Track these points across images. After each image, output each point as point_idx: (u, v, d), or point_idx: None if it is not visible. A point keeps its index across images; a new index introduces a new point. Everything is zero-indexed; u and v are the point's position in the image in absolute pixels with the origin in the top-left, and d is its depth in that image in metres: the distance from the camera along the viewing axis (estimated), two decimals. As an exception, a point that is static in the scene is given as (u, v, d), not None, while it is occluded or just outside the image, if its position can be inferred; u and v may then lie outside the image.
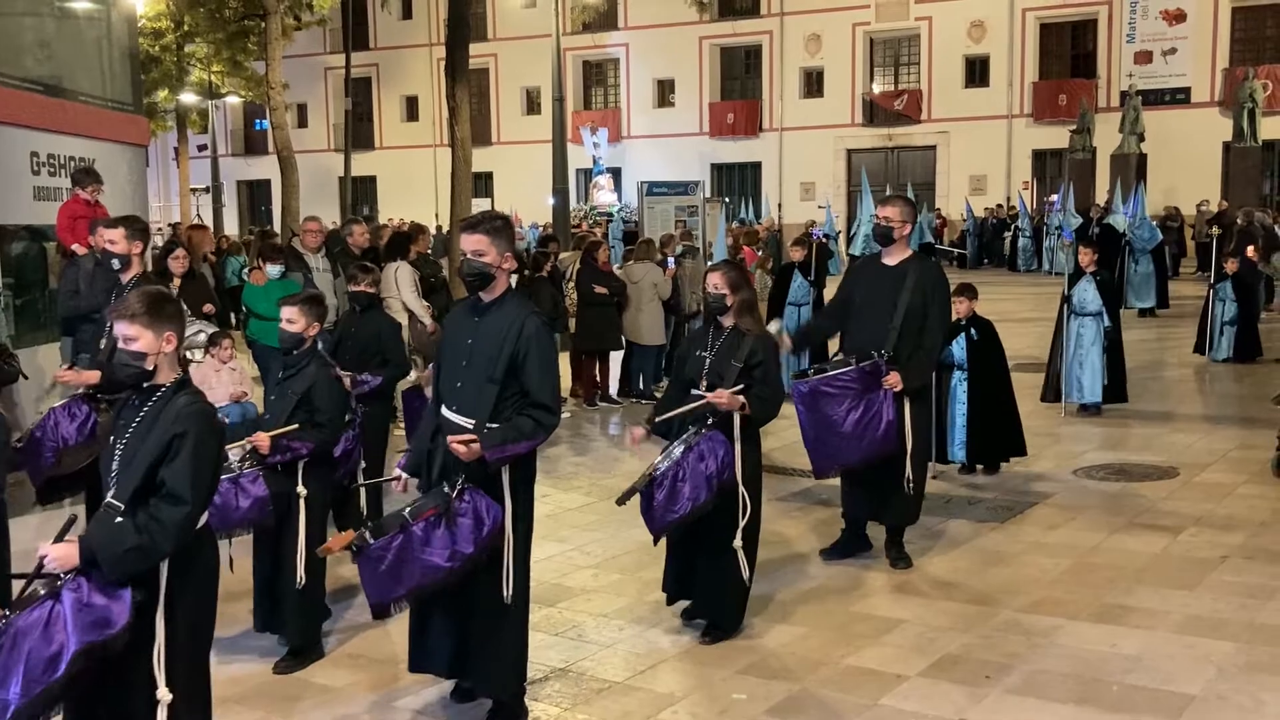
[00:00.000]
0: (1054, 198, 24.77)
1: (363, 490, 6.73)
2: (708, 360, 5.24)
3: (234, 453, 5.04)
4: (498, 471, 4.28)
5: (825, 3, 36.96)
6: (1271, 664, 4.92)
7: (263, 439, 5.02)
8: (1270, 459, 8.17)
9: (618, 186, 33.36)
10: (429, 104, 42.60)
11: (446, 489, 4.25)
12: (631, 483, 5.14)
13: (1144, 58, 33.67)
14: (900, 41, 37.50)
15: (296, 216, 24.71)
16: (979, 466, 8.45)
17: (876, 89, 37.72)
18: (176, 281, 9.00)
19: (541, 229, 22.96)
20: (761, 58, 38.98)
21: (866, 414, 5.85)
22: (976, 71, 36.28)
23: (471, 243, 4.32)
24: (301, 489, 5.16)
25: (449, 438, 4.24)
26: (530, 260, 11.76)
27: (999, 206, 32.98)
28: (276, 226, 28.82)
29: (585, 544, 6.94)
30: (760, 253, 11.55)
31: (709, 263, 9.92)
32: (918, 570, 6.32)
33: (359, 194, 40.05)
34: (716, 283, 5.34)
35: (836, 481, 8.25)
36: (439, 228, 25.54)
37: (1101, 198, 29.59)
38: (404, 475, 4.59)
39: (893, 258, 6.25)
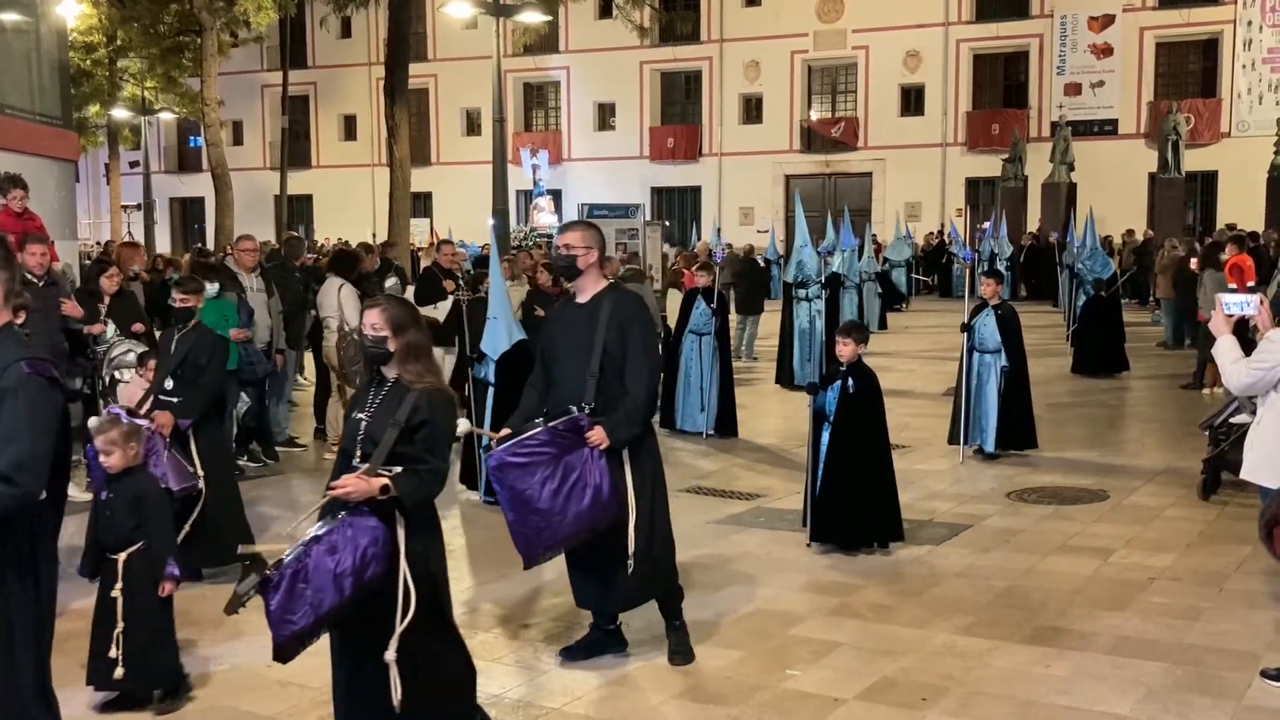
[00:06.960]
0: (985, 225, 25.16)
1: None
2: (364, 423, 4.00)
3: None
4: None
5: (764, 30, 37.43)
6: (1199, 684, 5.01)
7: None
8: (1197, 482, 8.35)
9: (558, 208, 33.35)
10: (367, 123, 42.30)
11: None
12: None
13: (1073, 89, 34.52)
14: (838, 70, 38.04)
15: (230, 235, 24.41)
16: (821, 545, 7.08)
17: (814, 116, 38.21)
18: (107, 300, 8.85)
19: (481, 249, 22.88)
20: (701, 83, 39.33)
21: (566, 482, 4.86)
22: (912, 100, 36.92)
23: None
24: None
25: None
26: (469, 281, 11.69)
27: (931, 234, 33.50)
28: (210, 245, 28.42)
29: (532, 569, 6.86)
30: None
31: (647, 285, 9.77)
32: (854, 594, 6.34)
33: (295, 212, 39.64)
34: (375, 322, 4.02)
35: (779, 504, 8.38)
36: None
37: (1033, 225, 30.24)
38: None
39: (584, 294, 5.27)
